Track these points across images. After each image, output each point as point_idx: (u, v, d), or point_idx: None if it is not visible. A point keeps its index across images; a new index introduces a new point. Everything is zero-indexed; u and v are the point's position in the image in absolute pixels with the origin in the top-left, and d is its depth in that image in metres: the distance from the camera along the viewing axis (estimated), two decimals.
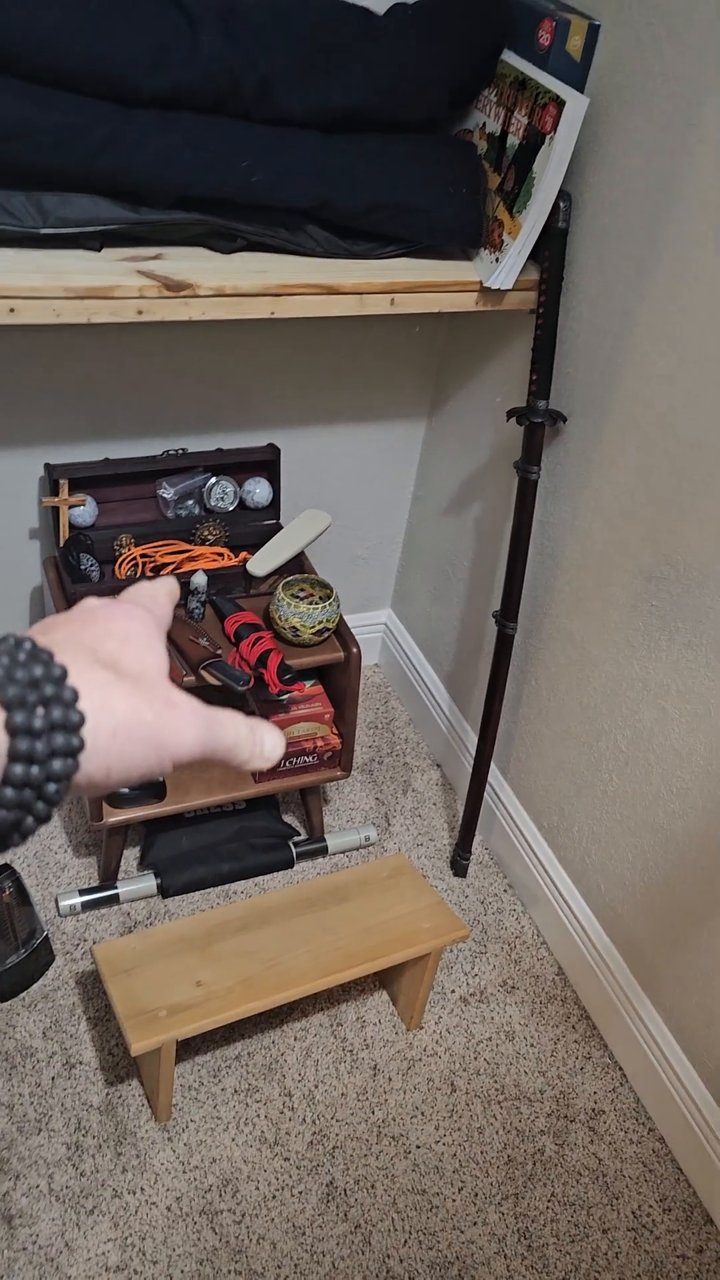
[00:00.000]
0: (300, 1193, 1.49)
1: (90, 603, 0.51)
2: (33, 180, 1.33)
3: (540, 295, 1.55)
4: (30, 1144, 1.49)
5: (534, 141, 1.42)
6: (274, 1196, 1.48)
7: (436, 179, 1.48)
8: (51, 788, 0.42)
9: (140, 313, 1.38)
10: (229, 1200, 1.47)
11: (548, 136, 1.39)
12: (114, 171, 1.32)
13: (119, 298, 1.36)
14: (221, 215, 1.42)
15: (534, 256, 1.52)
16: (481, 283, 1.53)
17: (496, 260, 1.51)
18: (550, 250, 1.51)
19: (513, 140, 1.47)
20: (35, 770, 0.41)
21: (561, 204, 1.47)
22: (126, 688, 0.46)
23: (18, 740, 0.40)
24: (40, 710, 0.41)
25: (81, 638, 0.47)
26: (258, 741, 0.52)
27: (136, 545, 1.78)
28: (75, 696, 0.42)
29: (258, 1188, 1.49)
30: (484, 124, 1.53)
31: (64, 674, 0.42)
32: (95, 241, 1.40)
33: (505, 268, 1.49)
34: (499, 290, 1.53)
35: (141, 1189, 1.47)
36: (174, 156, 1.33)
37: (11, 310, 1.31)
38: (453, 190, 1.49)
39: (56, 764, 0.41)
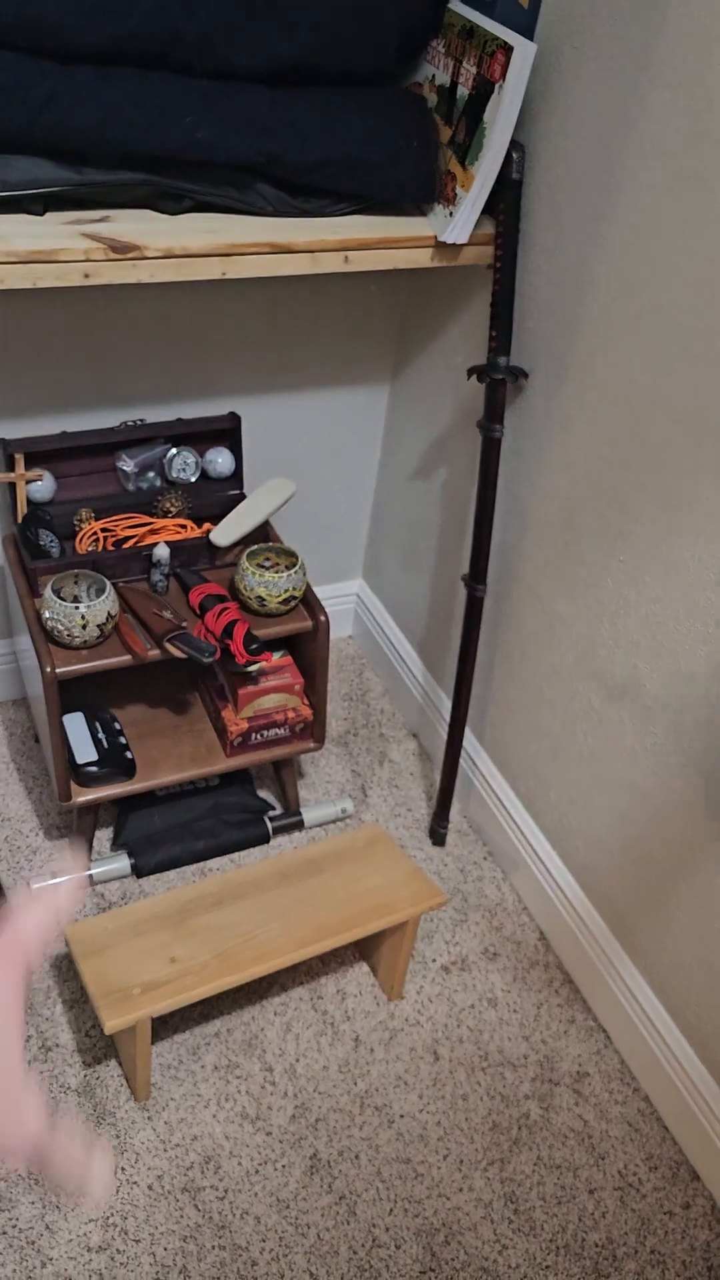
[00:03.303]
0: (283, 1167, 1.48)
1: None
2: None
3: (497, 249, 1.52)
4: None
5: (484, 91, 1.39)
6: (257, 1171, 1.47)
7: (387, 133, 1.45)
8: None
9: (87, 276, 1.34)
10: (211, 1177, 1.46)
11: (497, 85, 1.36)
12: (54, 131, 1.29)
13: (64, 261, 1.32)
14: (167, 175, 1.38)
15: (489, 210, 1.49)
16: (436, 238, 1.50)
17: (450, 214, 1.48)
18: (505, 202, 1.48)
19: (462, 91, 1.44)
20: None
21: (514, 155, 1.44)
22: None
23: None
24: None
25: None
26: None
27: (97, 519, 1.75)
28: None
29: (240, 1163, 1.48)
30: (433, 76, 1.50)
31: None
32: (38, 205, 1.37)
33: (459, 221, 1.46)
34: (454, 245, 1.50)
35: (122, 1169, 1.45)
36: (115, 113, 1.29)
37: None
38: (404, 144, 1.46)
39: None
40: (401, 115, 1.47)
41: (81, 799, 1.69)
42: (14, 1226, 1.38)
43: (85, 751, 1.71)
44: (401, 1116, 1.55)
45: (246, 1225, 1.41)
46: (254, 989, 1.68)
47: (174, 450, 1.79)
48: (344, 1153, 1.50)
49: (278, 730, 1.80)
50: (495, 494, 1.63)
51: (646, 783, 1.51)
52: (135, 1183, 1.44)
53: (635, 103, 1.28)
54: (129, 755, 1.74)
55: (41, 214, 1.37)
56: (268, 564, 1.73)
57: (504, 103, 1.34)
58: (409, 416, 1.98)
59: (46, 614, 1.56)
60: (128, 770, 1.72)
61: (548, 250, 1.49)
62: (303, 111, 1.40)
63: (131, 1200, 1.42)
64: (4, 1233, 1.37)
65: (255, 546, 1.73)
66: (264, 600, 1.68)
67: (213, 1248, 1.39)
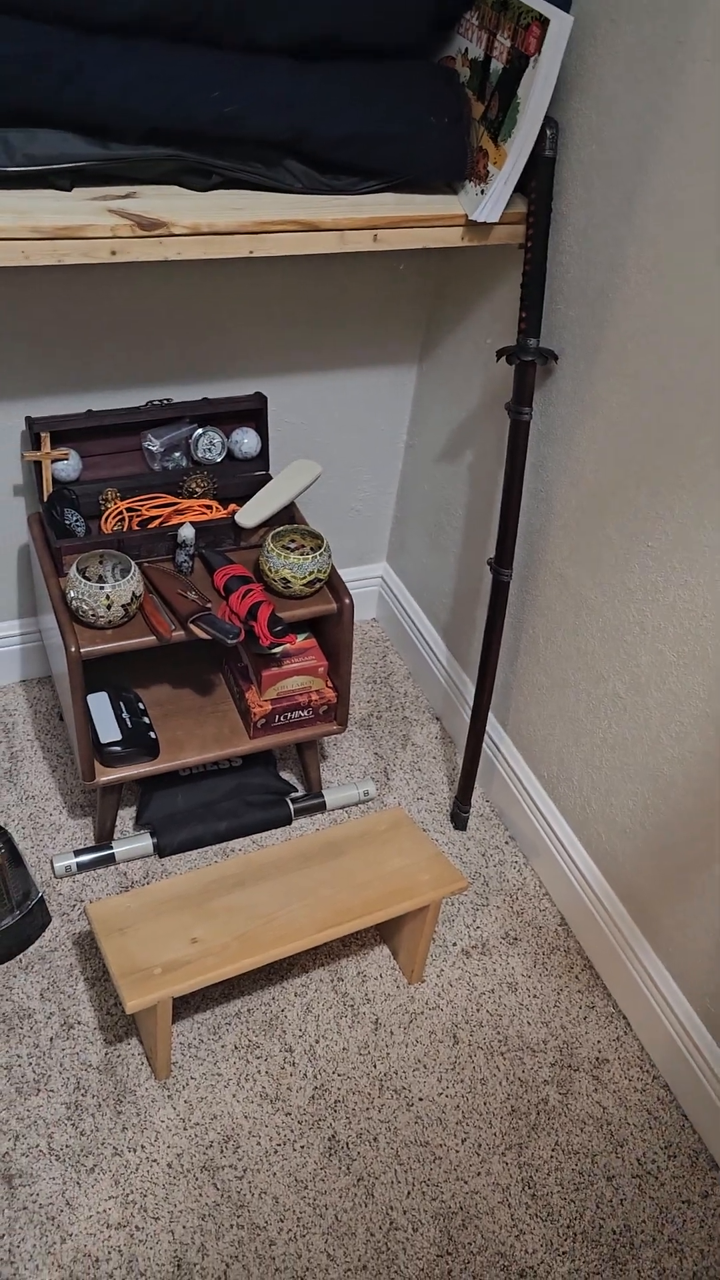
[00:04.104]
0: (302, 1147, 1.48)
1: None
2: None
3: (528, 228, 1.49)
4: (29, 1104, 1.48)
5: (518, 65, 1.36)
6: (275, 1151, 1.48)
7: (418, 108, 1.43)
8: None
9: (114, 253, 1.33)
10: (230, 1156, 1.46)
11: (532, 59, 1.34)
12: (81, 104, 1.27)
13: (91, 238, 1.31)
14: (195, 150, 1.37)
15: (521, 188, 1.46)
16: (467, 216, 1.48)
17: (482, 192, 1.46)
18: (537, 181, 1.45)
19: (496, 65, 1.41)
20: None
21: (548, 131, 1.41)
22: None
23: None
24: None
25: None
26: None
27: (122, 499, 1.74)
28: None
29: (259, 1143, 1.48)
30: (466, 49, 1.47)
31: None
32: (65, 180, 1.35)
33: (491, 199, 1.44)
34: (485, 224, 1.48)
35: (142, 1146, 1.46)
36: (142, 86, 1.28)
37: None
38: (435, 119, 1.44)
39: None
40: (433, 90, 1.45)
41: (105, 778, 1.69)
42: (34, 1202, 1.39)
43: (109, 731, 1.71)
44: (420, 1099, 1.55)
45: (265, 1205, 1.42)
46: (274, 970, 1.68)
47: (200, 430, 1.78)
48: (363, 1134, 1.51)
49: (301, 712, 1.79)
50: (523, 478, 1.61)
51: (672, 771, 1.49)
52: (155, 1161, 1.45)
53: (673, 77, 1.25)
54: (153, 735, 1.74)
55: (68, 190, 1.36)
56: (293, 546, 1.72)
57: (539, 77, 1.32)
58: (436, 398, 1.97)
59: (71, 593, 1.56)
60: (151, 750, 1.73)
61: (580, 230, 1.46)
62: (332, 86, 1.38)
63: (151, 1178, 1.43)
64: (24, 1208, 1.38)
65: (281, 528, 1.72)
66: (289, 582, 1.67)
67: (231, 1226, 1.39)
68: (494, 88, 1.42)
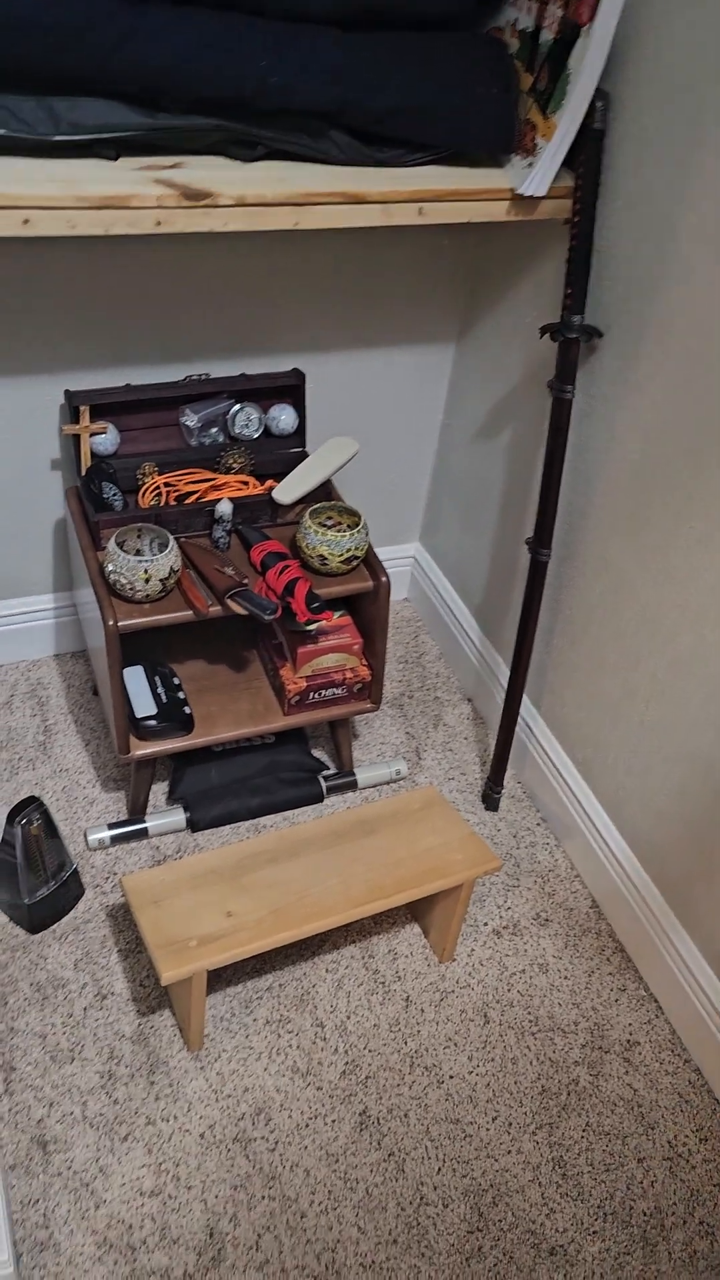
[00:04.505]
0: (333, 1121, 1.49)
1: None
2: (43, 84, 1.28)
3: (575, 203, 1.48)
4: (64, 1072, 1.50)
5: (569, 35, 1.34)
6: (307, 1125, 1.48)
7: (465, 80, 1.41)
8: None
9: (159, 224, 1.33)
10: (262, 1128, 1.47)
11: (584, 28, 1.32)
12: (128, 72, 1.26)
13: (136, 208, 1.30)
14: (240, 120, 1.36)
15: (569, 162, 1.44)
16: (514, 190, 1.46)
17: (529, 165, 1.44)
18: (586, 154, 1.44)
19: (546, 35, 1.39)
20: None
21: (598, 104, 1.39)
22: None
23: None
24: None
25: None
26: None
27: (160, 474, 1.74)
28: None
29: (290, 1116, 1.49)
30: (515, 20, 1.45)
31: None
32: (110, 150, 1.35)
33: (538, 173, 1.42)
34: (532, 198, 1.46)
35: (175, 1116, 1.47)
36: (189, 55, 1.27)
37: (26, 222, 1.27)
38: (482, 91, 1.42)
39: None
40: (480, 61, 1.43)
41: (140, 752, 1.70)
42: (69, 1168, 1.40)
43: (144, 705, 1.71)
44: (451, 1077, 1.56)
45: (296, 1177, 1.43)
46: (306, 945, 1.69)
47: (237, 406, 1.77)
48: (393, 1110, 1.51)
49: (335, 690, 1.79)
50: (564, 456, 1.60)
51: (711, 754, 1.48)
52: (188, 1131, 1.45)
53: None
54: (187, 710, 1.74)
55: (114, 159, 1.35)
56: (330, 523, 1.72)
57: (591, 47, 1.30)
58: (475, 375, 1.95)
59: (109, 567, 1.56)
60: (186, 725, 1.73)
61: (629, 204, 1.44)
62: (379, 57, 1.37)
63: (184, 1148, 1.44)
64: (59, 1174, 1.40)
65: (318, 505, 1.72)
66: (326, 559, 1.66)
67: (262, 1198, 1.40)
68: (544, 59, 1.40)
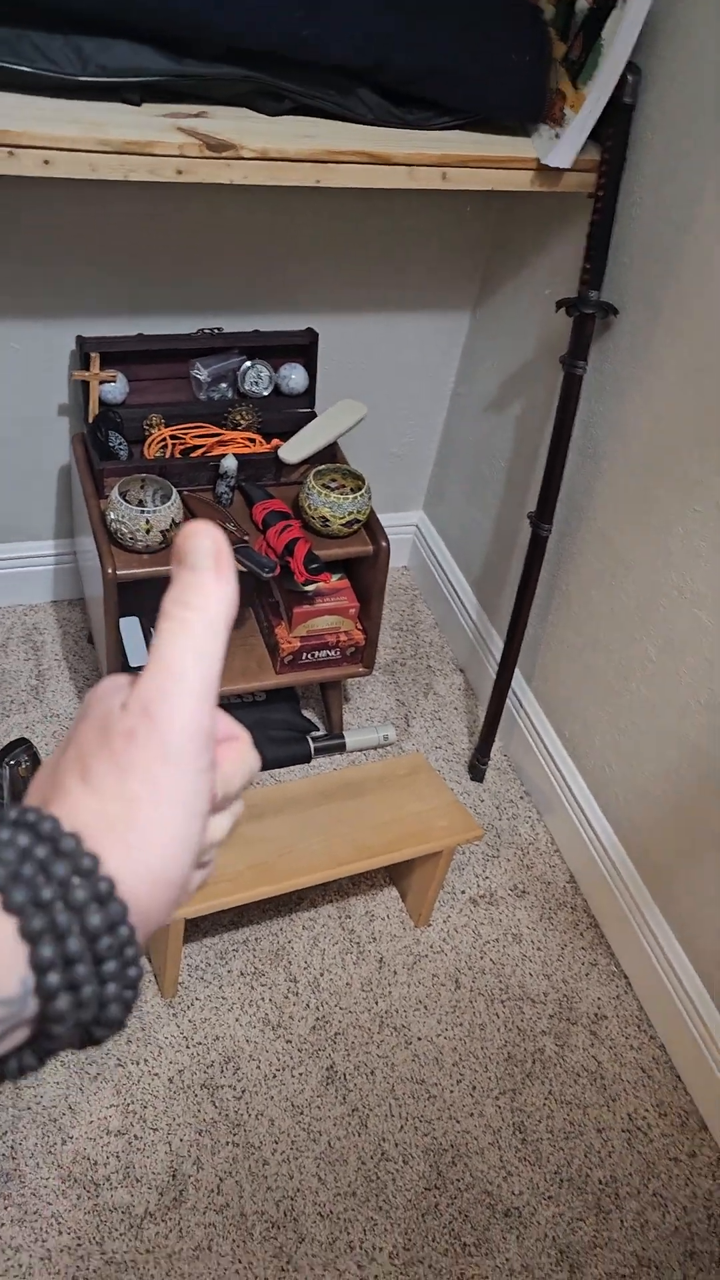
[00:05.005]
0: (300, 1074, 1.52)
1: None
2: (72, 23, 1.26)
3: (600, 177, 1.47)
4: None
5: (605, 5, 1.33)
6: (274, 1076, 1.51)
7: (499, 45, 1.40)
8: (112, 1012, 0.34)
9: (179, 173, 1.32)
10: (230, 1077, 1.50)
11: (620, 0, 1.30)
12: (157, 13, 1.25)
13: (158, 155, 1.29)
14: (269, 72, 1.35)
15: (595, 136, 1.43)
16: (539, 160, 1.45)
17: (556, 136, 1.43)
18: (614, 128, 1.43)
19: (582, 4, 1.37)
20: (85, 1013, 0.33)
21: (629, 77, 1.38)
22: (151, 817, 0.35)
23: (56, 995, 0.32)
24: (77, 943, 0.32)
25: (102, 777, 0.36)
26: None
27: (167, 426, 1.74)
28: (122, 911, 0.33)
29: (259, 1066, 1.51)
30: None
31: (104, 883, 0.33)
32: (135, 94, 1.34)
33: (565, 144, 1.41)
34: (557, 169, 1.45)
35: (145, 1060, 1.49)
36: (226, 1, 1.25)
37: (46, 162, 1.26)
38: (515, 58, 1.41)
39: (112, 1008, 0.34)
40: (515, 26, 1.41)
41: None
42: (38, 1103, 1.43)
43: (139, 655, 1.72)
44: (419, 1039, 1.58)
45: (260, 1126, 1.45)
46: (284, 902, 1.71)
47: (248, 362, 1.77)
48: (360, 1067, 1.54)
49: (328, 652, 1.80)
50: (571, 432, 1.60)
51: (698, 738, 1.49)
52: (156, 1074, 1.48)
53: None
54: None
55: (138, 104, 1.34)
56: (334, 485, 1.72)
57: (626, 19, 1.29)
58: (488, 347, 1.94)
59: (111, 515, 1.57)
60: None
61: (654, 182, 1.43)
62: (414, 16, 1.35)
63: (152, 1090, 1.46)
64: (29, 1108, 1.42)
65: (323, 466, 1.72)
66: (327, 521, 1.66)
67: (226, 1144, 1.43)
68: (578, 28, 1.38)
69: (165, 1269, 1.31)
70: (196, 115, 1.35)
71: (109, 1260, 1.31)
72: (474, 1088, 1.54)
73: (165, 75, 1.32)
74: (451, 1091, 1.53)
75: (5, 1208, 1.33)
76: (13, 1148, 1.38)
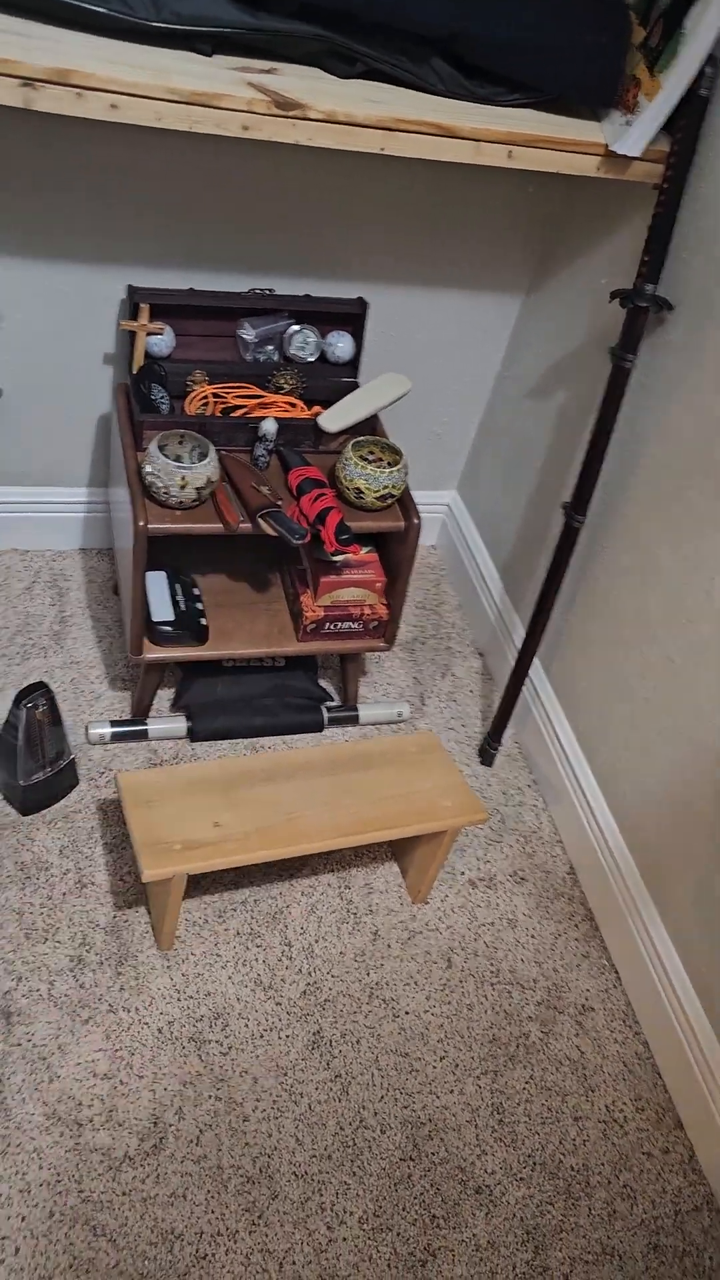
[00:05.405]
0: (287, 1036, 1.53)
1: None
2: None
3: (667, 169, 1.45)
4: (36, 950, 1.54)
5: None
6: (261, 1036, 1.53)
7: (578, 24, 1.38)
8: None
9: (245, 128, 1.31)
10: (218, 1033, 1.52)
11: None
12: None
13: (225, 109, 1.29)
14: (343, 33, 1.33)
15: (667, 127, 1.41)
16: (607, 146, 1.43)
17: (628, 123, 1.41)
18: (686, 120, 1.41)
19: None
20: None
21: (708, 69, 1.36)
22: None
23: None
24: None
25: None
26: None
27: (210, 384, 1.74)
28: None
29: (247, 1025, 1.53)
30: None
31: None
32: (207, 45, 1.33)
33: (637, 132, 1.40)
34: (626, 157, 1.43)
35: (136, 1008, 1.51)
36: None
37: (113, 106, 1.25)
38: (593, 39, 1.39)
39: None
40: (595, 7, 1.39)
41: (151, 655, 1.72)
42: (29, 1040, 1.45)
43: (162, 610, 1.73)
44: (407, 1013, 1.60)
45: (244, 1083, 1.47)
46: (286, 866, 1.72)
47: (296, 327, 1.76)
48: (346, 1035, 1.55)
49: (351, 624, 1.80)
50: (613, 426, 1.59)
51: (712, 741, 1.49)
52: (146, 1024, 1.50)
53: None
54: (203, 621, 1.76)
55: (209, 55, 1.33)
56: (371, 458, 1.71)
57: (711, 8, 1.27)
58: (539, 331, 1.93)
59: (148, 468, 1.57)
60: (200, 635, 1.75)
61: None
62: None
63: (141, 1039, 1.48)
64: (19, 1044, 1.45)
65: (361, 438, 1.71)
66: (362, 493, 1.66)
67: (209, 1097, 1.45)
68: (660, 14, 1.36)
69: (140, 1213, 1.33)
70: (267, 71, 1.34)
71: (85, 1199, 1.33)
72: (456, 1065, 1.56)
73: (238, 27, 1.31)
74: (434, 1067, 1.55)
75: None
76: (1, 1083, 1.41)
